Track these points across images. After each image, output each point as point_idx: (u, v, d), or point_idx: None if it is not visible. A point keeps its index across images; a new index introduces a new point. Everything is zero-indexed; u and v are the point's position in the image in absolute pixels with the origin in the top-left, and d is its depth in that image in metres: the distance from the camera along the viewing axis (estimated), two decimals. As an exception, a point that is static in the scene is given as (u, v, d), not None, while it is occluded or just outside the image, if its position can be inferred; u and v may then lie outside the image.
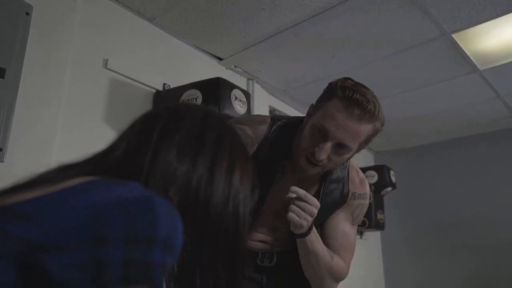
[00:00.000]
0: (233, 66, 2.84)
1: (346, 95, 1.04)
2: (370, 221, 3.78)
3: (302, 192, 1.04)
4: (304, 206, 1.03)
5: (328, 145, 1.04)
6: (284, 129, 1.19)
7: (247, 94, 2.18)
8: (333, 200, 1.22)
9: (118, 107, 2.10)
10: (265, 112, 3.16)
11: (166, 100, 2.25)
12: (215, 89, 2.03)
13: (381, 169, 3.88)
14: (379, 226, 3.84)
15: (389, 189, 3.92)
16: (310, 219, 1.04)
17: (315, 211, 1.04)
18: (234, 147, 0.60)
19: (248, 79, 3.02)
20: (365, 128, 1.05)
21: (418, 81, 3.02)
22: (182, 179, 0.53)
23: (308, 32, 2.41)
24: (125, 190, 0.46)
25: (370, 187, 3.80)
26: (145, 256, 0.41)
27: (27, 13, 1.59)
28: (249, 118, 1.28)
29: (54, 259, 0.39)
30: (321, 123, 1.05)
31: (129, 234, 0.41)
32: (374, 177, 3.86)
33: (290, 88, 3.16)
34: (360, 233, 4.07)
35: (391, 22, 2.30)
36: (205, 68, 2.64)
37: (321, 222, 1.22)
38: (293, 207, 1.04)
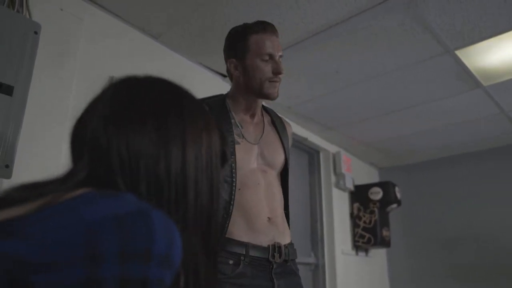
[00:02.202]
0: (237, 83, 2.86)
1: (260, 26, 1.40)
2: (375, 238, 3.75)
3: None
4: None
5: (278, 60, 1.39)
6: (217, 103, 1.45)
7: (251, 111, 2.19)
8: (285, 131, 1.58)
9: (123, 123, 2.12)
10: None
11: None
12: (220, 106, 2.04)
13: (386, 186, 3.86)
14: (384, 243, 3.80)
15: (395, 205, 3.89)
16: None
17: None
18: (198, 121, 0.58)
19: (252, 96, 3.04)
20: (278, 37, 1.43)
21: (422, 97, 3.03)
22: (164, 181, 0.52)
23: (311, 48, 2.43)
24: (118, 203, 0.44)
25: (375, 203, 3.80)
26: (142, 272, 0.40)
27: (36, 32, 1.61)
28: None
29: (45, 277, 0.38)
30: (262, 52, 1.37)
31: (125, 250, 0.40)
32: (379, 193, 3.84)
33: (295, 104, 3.18)
34: (366, 250, 4.03)
35: (394, 39, 2.32)
36: (209, 85, 2.66)
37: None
38: None
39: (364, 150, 4.16)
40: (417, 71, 2.66)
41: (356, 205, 3.94)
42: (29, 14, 1.73)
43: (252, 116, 1.48)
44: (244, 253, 1.27)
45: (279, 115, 1.65)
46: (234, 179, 1.32)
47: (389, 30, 2.24)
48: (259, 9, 2.10)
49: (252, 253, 1.28)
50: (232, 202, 1.31)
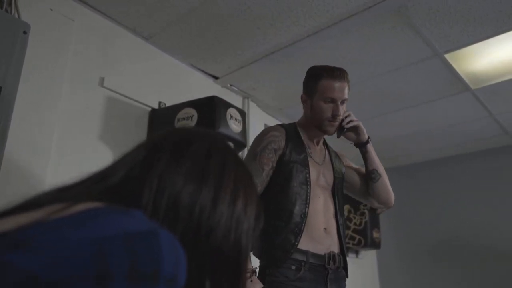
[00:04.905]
0: (228, 85, 2.86)
1: (330, 72, 1.59)
2: (366, 240, 3.76)
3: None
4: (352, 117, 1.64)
5: (339, 104, 1.58)
6: (291, 127, 1.69)
7: (242, 113, 2.19)
8: (338, 159, 1.81)
9: (114, 125, 2.10)
10: (260, 131, 3.16)
11: (162, 118, 2.25)
12: (211, 108, 2.04)
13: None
14: (375, 244, 3.82)
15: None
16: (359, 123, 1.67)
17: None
18: (238, 176, 0.59)
19: (244, 98, 3.04)
20: (347, 82, 1.61)
21: (412, 99, 3.05)
22: (185, 211, 0.52)
23: (303, 51, 2.44)
24: (129, 221, 0.45)
25: (366, 205, 3.81)
26: None
27: (25, 32, 1.59)
28: (269, 129, 1.68)
29: None
30: (326, 95, 1.57)
31: (133, 270, 0.40)
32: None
33: (286, 106, 3.19)
34: (356, 252, 4.05)
35: (385, 41, 2.34)
36: (201, 87, 2.66)
37: (342, 173, 1.75)
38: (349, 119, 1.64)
39: (356, 152, 4.17)
40: (408, 73, 2.68)
41: (346, 206, 3.96)
42: (18, 14, 1.71)
43: (317, 142, 1.72)
44: (305, 260, 1.46)
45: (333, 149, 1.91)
46: (308, 185, 1.54)
47: (380, 33, 2.26)
48: (252, 13, 2.10)
49: (312, 260, 1.47)
50: (308, 204, 1.51)
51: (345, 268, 1.61)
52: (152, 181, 0.53)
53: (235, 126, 2.08)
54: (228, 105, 2.11)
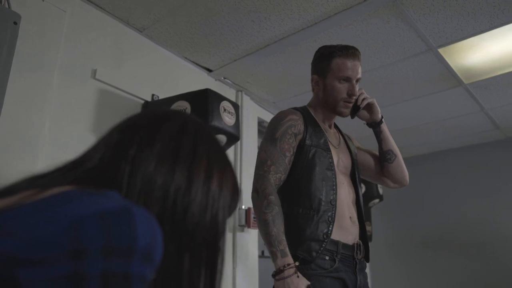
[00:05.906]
0: (222, 78, 2.85)
1: (343, 51, 1.52)
2: (358, 233, 3.78)
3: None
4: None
5: (354, 83, 1.52)
6: (304, 110, 1.60)
7: (236, 106, 2.18)
8: (350, 141, 1.74)
9: (106, 118, 2.09)
10: (254, 124, 3.16)
11: (155, 111, 2.24)
12: (204, 101, 2.03)
13: (368, 181, 3.89)
14: (367, 237, 3.84)
15: (376, 200, 3.94)
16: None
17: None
18: (212, 154, 0.59)
19: (237, 91, 3.03)
20: (360, 61, 1.55)
21: (405, 94, 3.07)
22: (160, 191, 0.52)
23: (297, 45, 2.43)
24: (103, 200, 0.45)
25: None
26: (124, 267, 0.40)
27: (15, 23, 1.57)
28: (286, 112, 1.56)
29: (29, 272, 0.38)
30: (341, 74, 1.51)
31: (108, 245, 0.40)
32: (361, 188, 3.87)
33: (279, 99, 3.18)
34: (348, 244, 4.07)
35: (378, 36, 2.34)
36: (194, 80, 2.64)
37: (356, 157, 1.68)
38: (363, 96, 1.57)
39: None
40: (401, 68, 2.69)
41: (339, 200, 3.97)
42: (9, 5, 1.68)
43: (330, 125, 1.65)
44: (336, 250, 1.40)
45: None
46: (333, 170, 1.48)
47: (374, 27, 2.26)
48: (247, 6, 2.09)
49: (342, 250, 1.42)
50: (335, 190, 1.45)
51: (366, 253, 1.54)
52: (126, 163, 0.53)
53: (228, 119, 2.07)
54: (221, 98, 2.10)
